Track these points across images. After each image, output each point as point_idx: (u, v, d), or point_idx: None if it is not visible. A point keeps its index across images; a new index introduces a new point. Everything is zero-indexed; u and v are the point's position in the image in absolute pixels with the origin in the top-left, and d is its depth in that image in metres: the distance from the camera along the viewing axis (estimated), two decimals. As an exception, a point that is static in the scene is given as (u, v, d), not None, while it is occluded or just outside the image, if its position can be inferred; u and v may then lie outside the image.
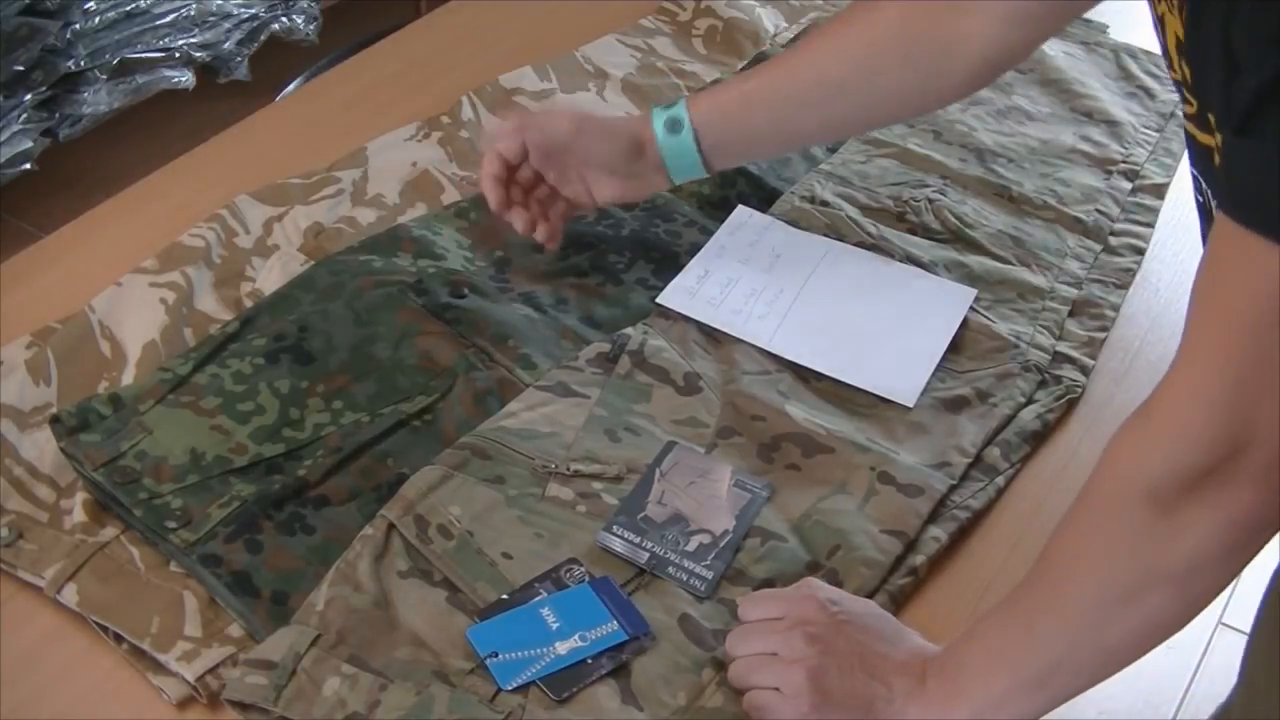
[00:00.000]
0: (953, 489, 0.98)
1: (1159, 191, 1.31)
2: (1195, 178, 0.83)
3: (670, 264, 1.15)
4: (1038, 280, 1.17)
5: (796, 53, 1.08)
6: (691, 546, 0.92)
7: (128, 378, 1.01)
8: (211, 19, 2.36)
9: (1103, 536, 0.75)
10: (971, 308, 1.12)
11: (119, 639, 0.85)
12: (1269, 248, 0.65)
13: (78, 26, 2.16)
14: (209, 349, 1.01)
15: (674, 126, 1.05)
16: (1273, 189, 0.65)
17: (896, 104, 1.08)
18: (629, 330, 1.07)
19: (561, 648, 0.84)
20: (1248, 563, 0.73)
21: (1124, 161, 1.33)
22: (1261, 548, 0.72)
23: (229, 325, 1.04)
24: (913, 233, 1.20)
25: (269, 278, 1.10)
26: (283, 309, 1.06)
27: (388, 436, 0.97)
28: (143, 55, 2.27)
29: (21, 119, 2.12)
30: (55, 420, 0.94)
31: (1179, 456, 0.70)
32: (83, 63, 2.18)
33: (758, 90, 1.06)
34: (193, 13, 2.32)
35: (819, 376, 1.06)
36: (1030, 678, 0.78)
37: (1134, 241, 1.24)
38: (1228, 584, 0.73)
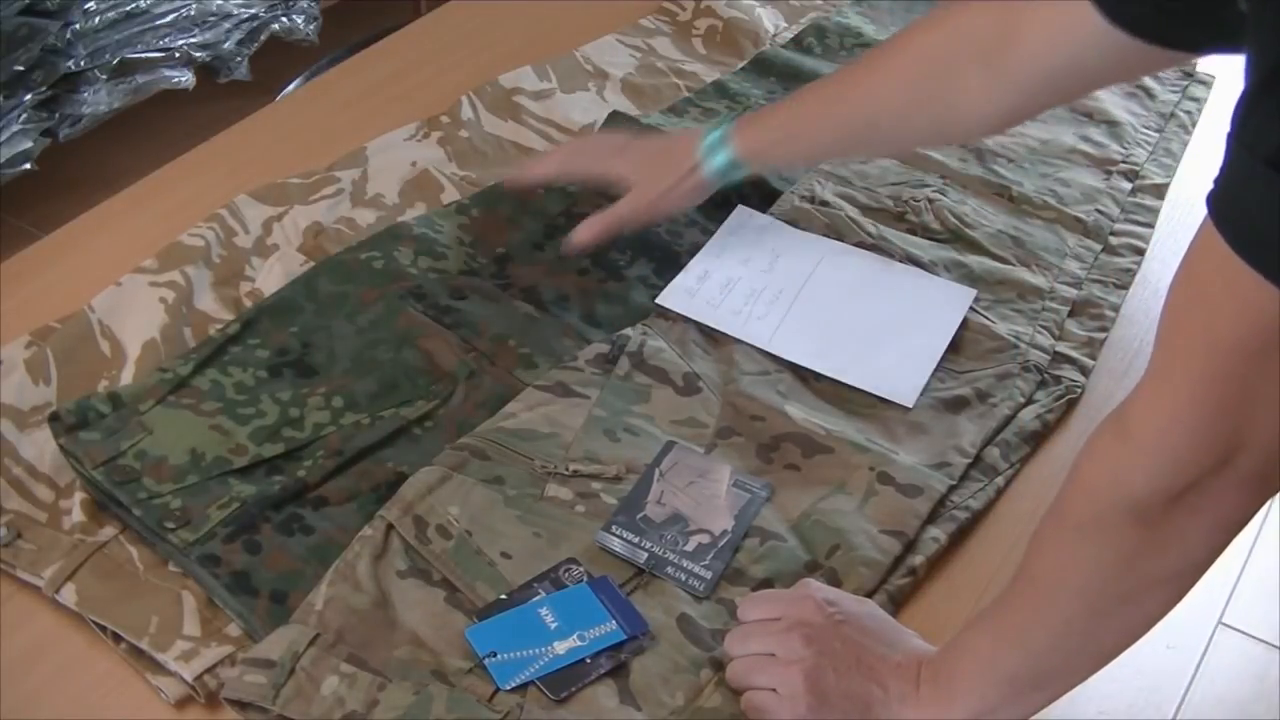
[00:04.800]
0: (952, 489, 0.98)
1: (1159, 192, 1.30)
2: None
3: (671, 263, 1.15)
4: (1037, 280, 1.17)
5: (840, 85, 1.11)
6: (690, 546, 0.92)
7: (127, 377, 1.01)
8: (211, 19, 2.37)
9: (1089, 553, 0.75)
10: (971, 308, 1.12)
11: (117, 638, 0.85)
12: (1263, 285, 0.62)
13: (78, 26, 2.16)
14: (209, 350, 1.01)
15: (731, 169, 1.12)
16: None
17: (921, 141, 1.24)
18: (628, 331, 1.07)
19: (560, 647, 0.84)
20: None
21: (1124, 162, 1.33)
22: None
23: (229, 327, 1.04)
24: (912, 233, 1.20)
25: (268, 277, 1.10)
26: (283, 313, 1.06)
27: (388, 443, 0.97)
28: (143, 55, 2.27)
29: (21, 119, 2.12)
30: (54, 418, 0.94)
31: (1163, 476, 0.69)
32: (83, 63, 2.18)
33: (802, 123, 1.11)
34: (193, 13, 2.32)
35: (818, 377, 1.06)
36: (1026, 684, 0.79)
37: (1134, 242, 1.24)
38: (1210, 566, 0.73)
